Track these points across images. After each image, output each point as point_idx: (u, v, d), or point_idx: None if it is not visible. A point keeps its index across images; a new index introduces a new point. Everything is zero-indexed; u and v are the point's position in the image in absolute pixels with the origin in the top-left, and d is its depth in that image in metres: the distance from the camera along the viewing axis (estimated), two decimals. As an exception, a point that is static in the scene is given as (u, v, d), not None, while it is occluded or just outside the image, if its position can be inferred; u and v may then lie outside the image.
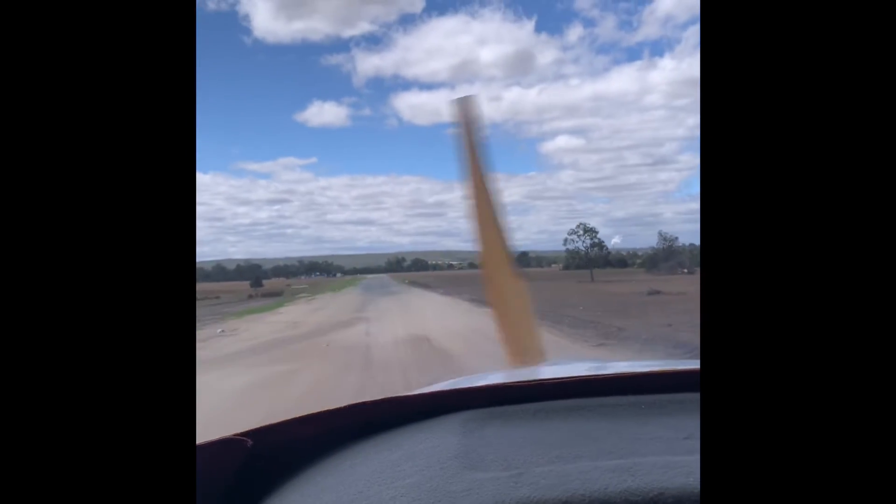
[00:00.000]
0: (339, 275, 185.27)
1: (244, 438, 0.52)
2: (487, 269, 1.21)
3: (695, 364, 0.70)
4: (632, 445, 0.45)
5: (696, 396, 0.54)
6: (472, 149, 1.15)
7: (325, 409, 0.57)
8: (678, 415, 0.53)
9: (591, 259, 58.46)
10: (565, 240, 59.71)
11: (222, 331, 16.68)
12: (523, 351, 1.17)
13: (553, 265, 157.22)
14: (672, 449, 0.44)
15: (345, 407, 0.57)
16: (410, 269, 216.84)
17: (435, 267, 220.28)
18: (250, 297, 48.55)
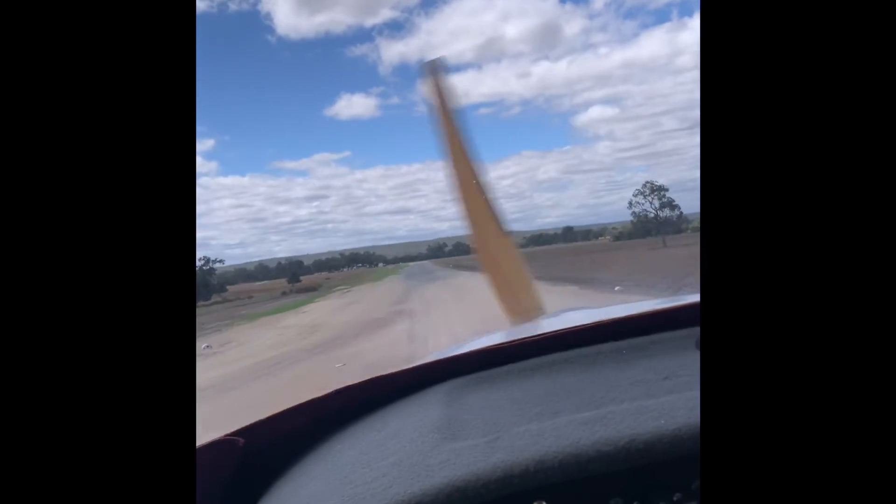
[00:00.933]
0: (381, 264, 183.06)
1: (235, 438, 0.52)
2: (475, 232, 1.21)
3: (674, 301, 0.72)
4: (610, 394, 0.45)
5: (677, 335, 0.56)
6: (446, 111, 1.16)
7: (313, 397, 0.56)
8: (659, 355, 0.53)
9: (661, 222, 52.08)
10: (630, 202, 53.54)
11: (207, 346, 11.92)
12: (521, 308, 1.17)
13: (601, 238, 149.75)
14: (650, 392, 0.44)
15: (332, 392, 0.57)
16: (452, 253, 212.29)
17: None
18: (284, 293, 46.42)
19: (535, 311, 1.18)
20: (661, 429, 0.38)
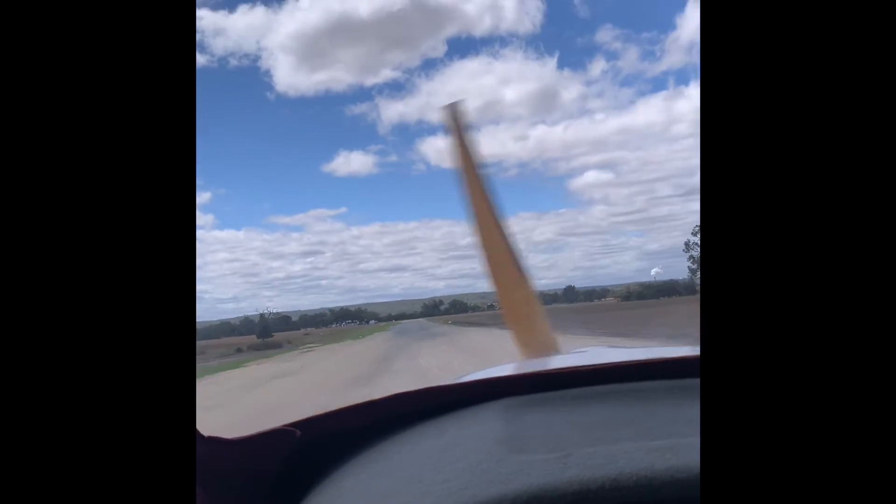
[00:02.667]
0: (372, 322, 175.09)
1: (293, 429, 0.54)
2: (492, 269, 1.24)
3: None
4: (670, 427, 0.45)
5: None
6: (465, 152, 1.21)
7: (369, 399, 0.58)
8: None
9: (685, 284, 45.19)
10: (688, 243, 46.65)
11: None
12: (536, 344, 1.21)
13: (606, 298, 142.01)
14: None
15: (388, 397, 0.58)
16: (449, 311, 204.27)
17: (475, 308, 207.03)
18: (238, 350, 41.83)
19: (550, 348, 1.20)
20: None
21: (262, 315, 66.36)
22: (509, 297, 1.24)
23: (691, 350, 0.69)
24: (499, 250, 1.20)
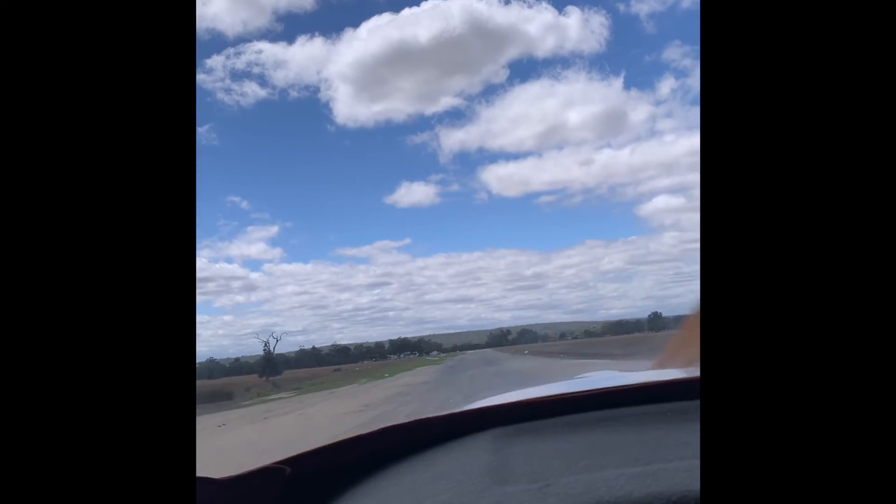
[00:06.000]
0: (434, 353, 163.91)
1: (283, 466, 0.54)
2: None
3: None
4: (657, 452, 0.45)
5: None
6: None
7: (357, 434, 0.58)
8: None
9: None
10: None
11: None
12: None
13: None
14: (697, 453, 0.45)
15: (376, 431, 0.59)
16: (517, 341, 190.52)
17: (545, 338, 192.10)
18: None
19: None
20: None
21: (265, 346, 55.39)
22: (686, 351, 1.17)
23: (683, 373, 0.69)
24: None
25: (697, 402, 0.52)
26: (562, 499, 0.39)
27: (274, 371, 50.53)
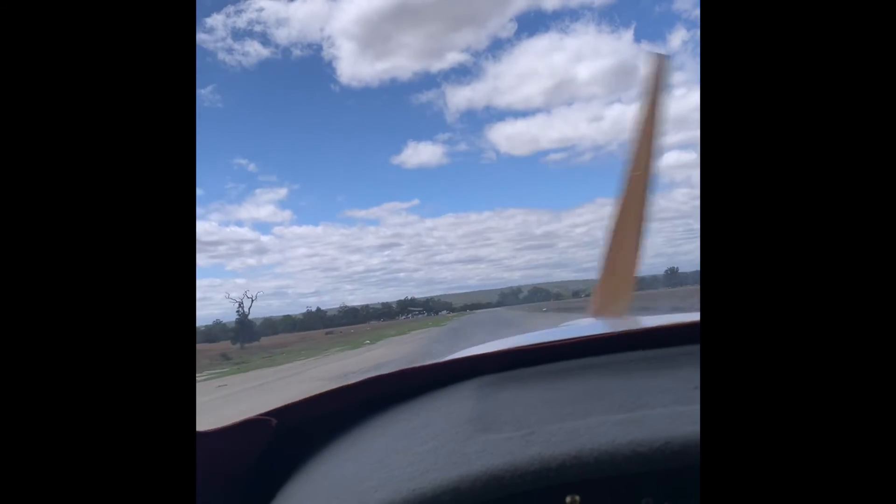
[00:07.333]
0: (443, 312, 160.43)
1: (268, 418, 0.54)
2: (619, 222, 1.28)
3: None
4: (641, 398, 0.45)
5: None
6: (652, 114, 1.24)
7: (345, 384, 0.58)
8: (687, 366, 0.53)
9: None
10: None
11: None
12: (611, 305, 1.29)
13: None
14: (681, 399, 0.45)
15: (362, 381, 0.59)
16: (529, 299, 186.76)
17: (557, 296, 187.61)
18: None
19: (621, 313, 1.27)
20: (695, 434, 0.38)
21: (239, 307, 48.33)
22: (615, 263, 1.28)
23: (669, 319, 0.67)
24: (631, 222, 1.21)
25: (681, 350, 0.52)
26: (545, 446, 0.39)
27: (249, 337, 45.66)
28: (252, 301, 48.31)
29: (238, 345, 42.76)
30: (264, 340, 49.27)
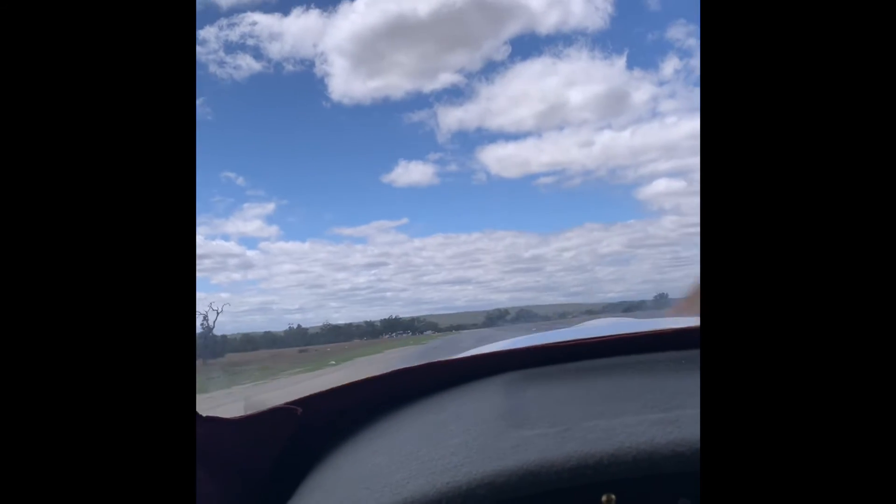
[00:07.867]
0: (428, 332, 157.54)
1: (294, 407, 0.54)
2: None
3: None
4: (673, 399, 0.45)
5: None
6: None
7: (369, 376, 0.58)
8: None
9: None
10: None
11: None
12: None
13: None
14: None
15: (388, 373, 0.58)
16: (516, 321, 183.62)
17: (545, 318, 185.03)
18: None
19: None
20: None
21: (204, 320, 41.95)
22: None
23: (696, 321, 0.66)
24: None
25: None
26: (581, 443, 0.38)
27: (213, 353, 42.57)
28: (217, 314, 44.90)
29: (199, 360, 39.92)
30: (231, 356, 45.99)
